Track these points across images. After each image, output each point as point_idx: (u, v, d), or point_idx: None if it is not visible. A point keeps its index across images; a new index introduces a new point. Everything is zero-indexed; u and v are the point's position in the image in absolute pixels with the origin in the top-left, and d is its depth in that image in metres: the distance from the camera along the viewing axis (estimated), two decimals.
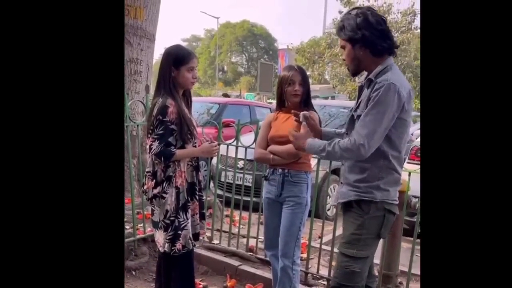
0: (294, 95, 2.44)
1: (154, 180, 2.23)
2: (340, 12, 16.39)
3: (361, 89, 2.00)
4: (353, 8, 1.96)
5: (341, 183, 2.05)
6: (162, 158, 2.16)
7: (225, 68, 46.10)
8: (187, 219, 2.27)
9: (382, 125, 1.80)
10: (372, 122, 1.79)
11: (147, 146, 2.21)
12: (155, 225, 2.29)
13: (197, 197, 2.35)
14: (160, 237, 2.28)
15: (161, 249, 2.30)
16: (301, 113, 2.19)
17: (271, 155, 2.47)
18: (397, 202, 1.98)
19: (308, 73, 2.68)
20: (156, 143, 2.15)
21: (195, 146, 2.30)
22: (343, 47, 1.97)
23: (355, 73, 2.02)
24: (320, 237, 3.22)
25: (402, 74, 1.98)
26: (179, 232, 2.23)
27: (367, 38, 1.85)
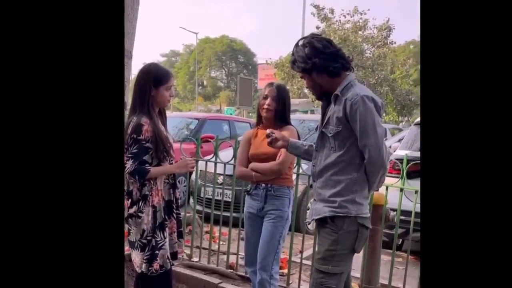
0: (266, 109, 2.46)
1: (129, 199, 2.18)
2: (317, 28, 16.63)
3: (324, 106, 2.04)
4: (300, 39, 2.01)
5: (314, 199, 2.06)
6: (137, 177, 2.12)
7: (205, 83, 46.16)
8: (165, 238, 2.22)
9: (378, 132, 1.85)
10: (371, 138, 1.84)
11: None
12: (132, 244, 2.23)
13: (174, 215, 2.30)
14: (136, 257, 2.22)
15: (138, 270, 2.24)
16: (266, 131, 2.20)
17: (253, 173, 2.46)
18: (369, 215, 2.01)
19: (287, 87, 2.70)
20: (130, 162, 2.11)
21: (171, 164, 2.27)
22: (302, 77, 2.04)
23: (320, 97, 2.06)
24: (301, 252, 3.20)
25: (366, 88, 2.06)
26: (157, 252, 2.18)
27: (318, 65, 1.91)
